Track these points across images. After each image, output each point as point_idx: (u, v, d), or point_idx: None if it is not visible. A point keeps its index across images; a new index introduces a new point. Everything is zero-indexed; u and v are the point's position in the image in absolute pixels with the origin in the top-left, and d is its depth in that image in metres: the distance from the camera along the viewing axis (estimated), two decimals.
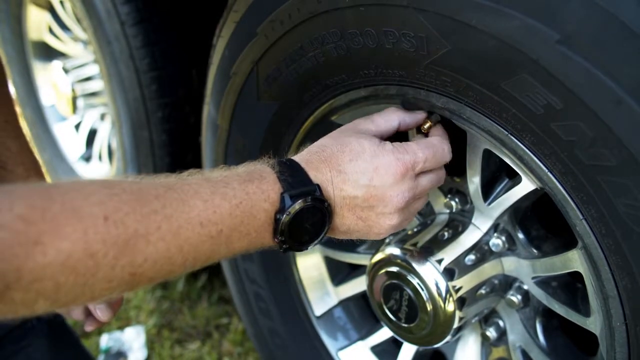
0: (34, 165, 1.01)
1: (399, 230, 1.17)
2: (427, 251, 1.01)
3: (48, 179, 1.02)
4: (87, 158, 2.40)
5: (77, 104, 2.30)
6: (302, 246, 0.81)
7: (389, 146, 0.84)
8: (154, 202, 0.65)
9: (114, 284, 0.62)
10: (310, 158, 0.82)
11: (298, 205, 0.76)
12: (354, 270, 1.33)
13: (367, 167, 0.81)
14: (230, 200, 0.72)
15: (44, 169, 1.02)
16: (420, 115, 0.94)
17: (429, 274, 0.99)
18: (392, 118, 0.92)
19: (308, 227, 0.79)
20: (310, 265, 1.32)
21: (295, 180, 0.78)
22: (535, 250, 1.00)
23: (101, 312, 0.95)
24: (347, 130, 0.88)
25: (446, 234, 1.04)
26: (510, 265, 1.03)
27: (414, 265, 1.00)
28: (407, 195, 0.83)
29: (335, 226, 0.83)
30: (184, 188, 0.69)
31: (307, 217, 0.78)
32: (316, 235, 0.81)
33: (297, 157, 0.83)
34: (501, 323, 1.10)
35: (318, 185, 0.79)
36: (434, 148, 0.87)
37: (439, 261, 1.00)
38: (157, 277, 0.66)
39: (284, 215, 0.76)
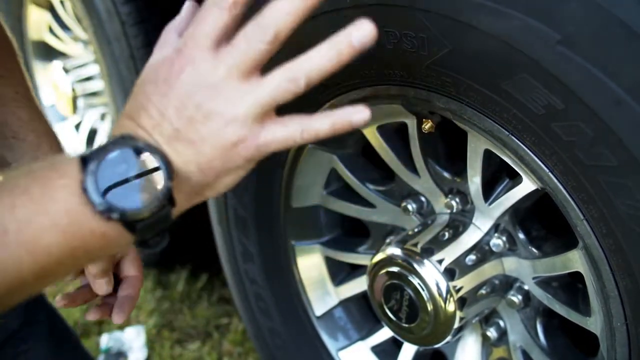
0: (45, 132, 0.99)
1: (400, 232, 1.17)
2: (427, 251, 1.01)
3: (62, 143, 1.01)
4: None
5: (77, 104, 2.30)
6: (144, 220, 0.59)
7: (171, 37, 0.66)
8: None
9: None
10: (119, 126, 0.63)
11: (103, 155, 0.57)
12: (355, 271, 1.33)
13: (166, 57, 0.62)
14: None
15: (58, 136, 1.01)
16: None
17: (430, 274, 0.99)
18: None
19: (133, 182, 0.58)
20: (310, 265, 1.32)
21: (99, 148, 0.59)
22: (535, 251, 1.00)
23: (99, 287, 0.88)
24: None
25: (447, 234, 1.04)
26: (511, 265, 1.03)
27: (415, 265, 1.00)
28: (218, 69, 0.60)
29: (191, 154, 0.61)
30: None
31: (121, 168, 0.58)
32: (158, 199, 0.58)
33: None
34: (502, 323, 1.10)
35: (127, 134, 0.59)
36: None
37: (440, 261, 1.00)
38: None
39: (88, 178, 0.56)
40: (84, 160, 0.58)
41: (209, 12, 0.63)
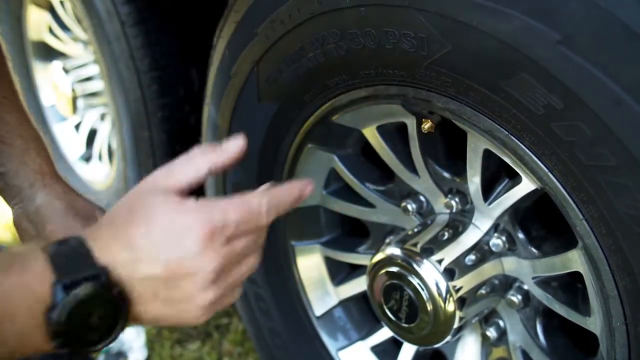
0: (33, 138, 0.99)
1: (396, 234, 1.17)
2: (427, 251, 1.01)
3: (49, 149, 1.02)
4: (87, 158, 2.40)
5: (77, 104, 2.30)
6: (92, 347, 0.64)
7: (191, 204, 0.67)
8: None
9: None
10: (100, 233, 0.66)
11: (74, 297, 0.59)
12: (354, 271, 1.33)
13: (164, 236, 0.65)
14: None
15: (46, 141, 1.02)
16: (234, 148, 0.74)
17: (429, 274, 0.99)
18: (197, 164, 0.71)
19: (95, 323, 0.62)
20: (310, 265, 1.32)
21: (73, 264, 0.61)
22: (535, 251, 1.00)
23: None
24: (142, 190, 0.70)
25: (446, 234, 1.04)
26: (511, 265, 1.03)
27: (414, 265, 1.00)
28: (218, 263, 0.67)
29: (138, 315, 0.66)
30: None
31: (92, 310, 0.61)
32: (109, 332, 0.64)
33: (86, 232, 0.66)
34: (501, 323, 1.10)
35: (105, 267, 0.62)
36: (249, 208, 0.70)
37: (439, 261, 1.00)
38: None
39: (56, 313, 0.59)
40: (55, 288, 0.60)
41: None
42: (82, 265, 0.62)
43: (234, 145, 0.74)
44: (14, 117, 0.99)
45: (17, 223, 0.99)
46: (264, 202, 0.72)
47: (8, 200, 0.99)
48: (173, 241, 0.65)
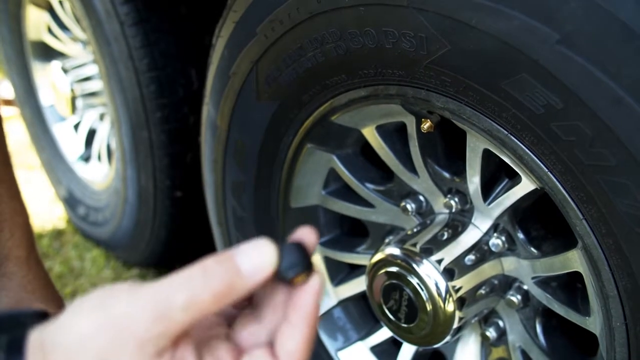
0: (12, 213, 0.89)
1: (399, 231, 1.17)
2: (426, 251, 1.01)
3: (17, 173, 0.91)
4: (86, 158, 2.40)
5: (76, 104, 2.30)
6: None
7: None
8: None
9: None
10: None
11: None
12: (354, 271, 1.32)
13: None
14: None
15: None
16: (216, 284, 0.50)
17: (429, 274, 0.99)
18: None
19: None
20: None
21: None
22: (535, 250, 1.00)
23: None
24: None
25: (446, 234, 1.04)
26: (510, 265, 1.03)
27: (414, 265, 1.00)
28: None
29: None
30: None
31: None
32: None
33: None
34: (501, 323, 1.10)
35: None
36: None
37: (439, 261, 1.00)
38: None
39: None
40: None
41: None
42: None
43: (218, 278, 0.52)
44: None
45: None
46: None
47: None
48: None
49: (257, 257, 0.51)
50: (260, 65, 1.08)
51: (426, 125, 0.98)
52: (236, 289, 0.50)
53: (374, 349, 1.32)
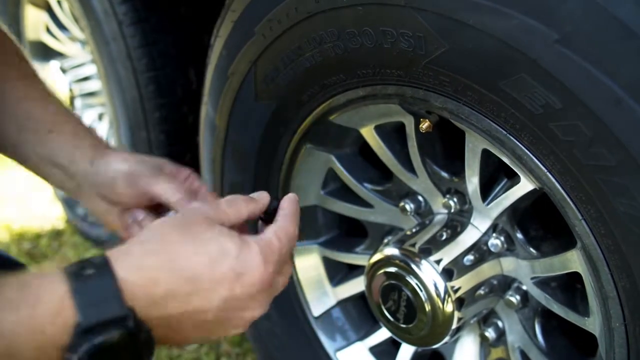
0: (75, 118, 0.99)
1: (398, 231, 1.17)
2: (425, 251, 1.01)
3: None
4: None
5: (74, 104, 2.30)
6: None
7: (255, 247, 0.67)
8: None
9: None
10: (141, 262, 0.59)
11: (97, 345, 0.53)
12: (353, 271, 1.32)
13: (228, 274, 0.63)
14: None
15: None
16: (264, 200, 0.82)
17: (428, 275, 0.99)
18: (241, 210, 0.75)
19: None
20: (308, 265, 1.32)
21: (97, 301, 0.54)
22: (534, 251, 1.00)
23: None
24: (197, 218, 0.67)
25: (445, 234, 1.04)
26: (509, 265, 1.03)
27: (413, 265, 1.00)
28: (271, 294, 0.72)
29: (167, 342, 0.63)
30: None
31: (116, 357, 0.54)
32: None
33: (116, 255, 0.59)
34: (500, 323, 1.10)
35: (133, 308, 0.56)
36: (291, 239, 0.76)
37: (438, 261, 1.00)
38: None
39: (74, 357, 0.52)
40: (77, 328, 0.53)
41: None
42: (109, 304, 0.54)
43: (265, 195, 0.82)
44: (55, 106, 0.98)
45: (93, 209, 0.97)
46: (296, 223, 0.81)
47: (74, 191, 0.97)
48: (237, 280, 0.64)
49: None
50: (258, 65, 1.08)
51: (425, 125, 0.97)
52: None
53: (373, 350, 1.32)
